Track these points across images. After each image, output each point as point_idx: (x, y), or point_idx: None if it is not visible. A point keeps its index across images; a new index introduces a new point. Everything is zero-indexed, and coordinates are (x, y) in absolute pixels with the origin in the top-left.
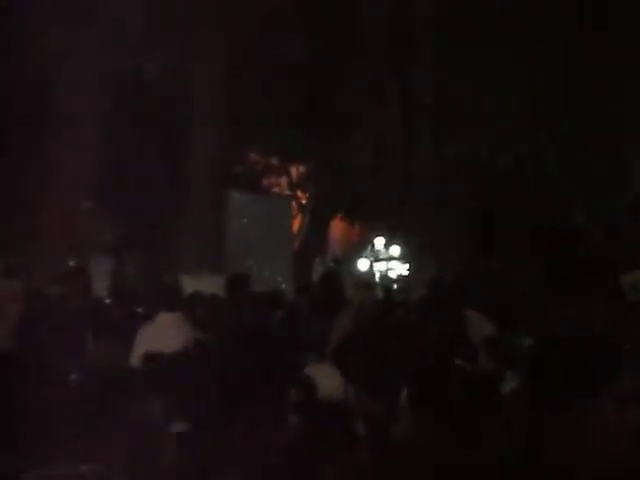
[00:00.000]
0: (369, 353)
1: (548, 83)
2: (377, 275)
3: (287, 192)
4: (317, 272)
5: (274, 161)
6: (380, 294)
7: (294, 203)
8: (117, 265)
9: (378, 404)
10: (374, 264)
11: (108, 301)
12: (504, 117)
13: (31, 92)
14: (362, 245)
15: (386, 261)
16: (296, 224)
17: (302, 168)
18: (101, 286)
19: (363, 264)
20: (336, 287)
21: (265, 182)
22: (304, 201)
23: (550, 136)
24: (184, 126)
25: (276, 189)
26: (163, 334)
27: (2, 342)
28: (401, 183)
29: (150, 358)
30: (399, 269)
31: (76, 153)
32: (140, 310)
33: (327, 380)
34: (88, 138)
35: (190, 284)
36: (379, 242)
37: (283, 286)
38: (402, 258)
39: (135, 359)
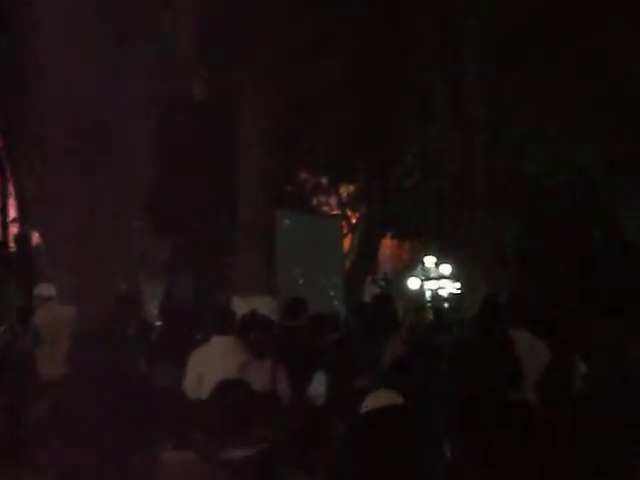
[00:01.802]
0: (422, 374)
1: (599, 97)
2: (427, 294)
3: (337, 211)
4: (368, 291)
5: (324, 180)
6: (432, 315)
7: (344, 222)
8: (168, 285)
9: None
10: (424, 283)
11: (159, 323)
12: (555, 132)
13: (80, 109)
14: (412, 264)
15: (436, 280)
16: (346, 243)
17: (352, 187)
18: (152, 307)
19: (413, 283)
20: (389, 309)
21: (315, 201)
22: (354, 220)
23: (601, 151)
24: (233, 145)
25: (326, 208)
26: (217, 358)
27: (55, 369)
28: (451, 201)
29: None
30: (450, 288)
31: (127, 172)
32: (192, 332)
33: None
34: (139, 157)
35: (241, 305)
36: (429, 261)
37: (335, 303)
38: (452, 277)
39: (189, 382)
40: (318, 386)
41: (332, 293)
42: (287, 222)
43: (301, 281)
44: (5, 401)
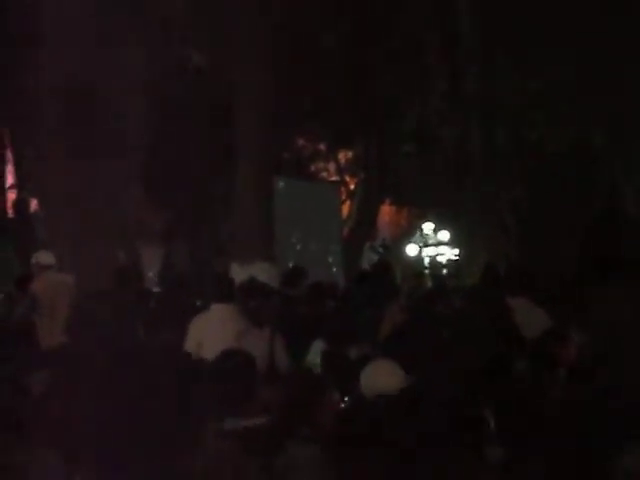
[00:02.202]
0: (420, 342)
1: (599, 69)
2: (426, 260)
3: (335, 178)
4: (366, 257)
5: (322, 147)
6: (430, 281)
7: (343, 189)
8: (166, 253)
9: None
10: (423, 249)
11: (158, 290)
12: (554, 102)
13: (77, 85)
14: (411, 230)
15: (435, 246)
16: (345, 210)
17: (350, 154)
18: (151, 275)
19: (412, 249)
20: (388, 276)
21: (313, 168)
22: (352, 186)
23: (602, 122)
24: (230, 113)
25: (324, 175)
26: (216, 326)
27: (54, 338)
28: (450, 168)
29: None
30: (448, 254)
31: (124, 142)
32: (191, 300)
33: (390, 377)
34: (136, 128)
35: (239, 272)
36: (428, 227)
37: (334, 271)
38: (451, 243)
39: (188, 349)
40: (317, 354)
41: (330, 259)
42: (285, 189)
43: (299, 247)
44: (5, 370)
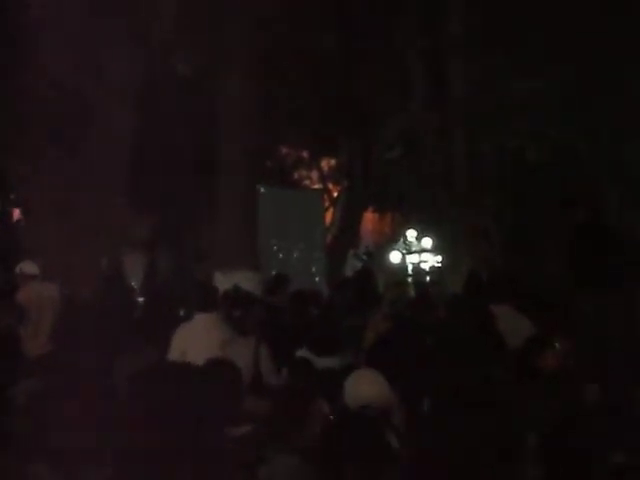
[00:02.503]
0: (404, 352)
1: (582, 72)
2: (409, 267)
3: (318, 185)
4: (350, 265)
5: (305, 154)
6: (413, 289)
7: (326, 196)
8: (149, 262)
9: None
10: (406, 256)
11: (142, 299)
12: (539, 108)
13: (62, 92)
14: (394, 237)
15: (418, 253)
16: (328, 217)
17: (333, 161)
18: (134, 283)
19: (395, 256)
20: (371, 284)
21: (296, 175)
22: (336, 194)
23: (585, 128)
24: (215, 121)
25: (307, 182)
26: (200, 335)
27: (39, 347)
28: (433, 176)
29: None
30: (431, 261)
31: (107, 150)
32: (175, 310)
33: (372, 386)
34: (119, 135)
35: (222, 281)
36: (411, 234)
37: (317, 279)
38: (434, 250)
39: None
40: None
41: (314, 268)
42: (268, 196)
43: (282, 255)
44: None
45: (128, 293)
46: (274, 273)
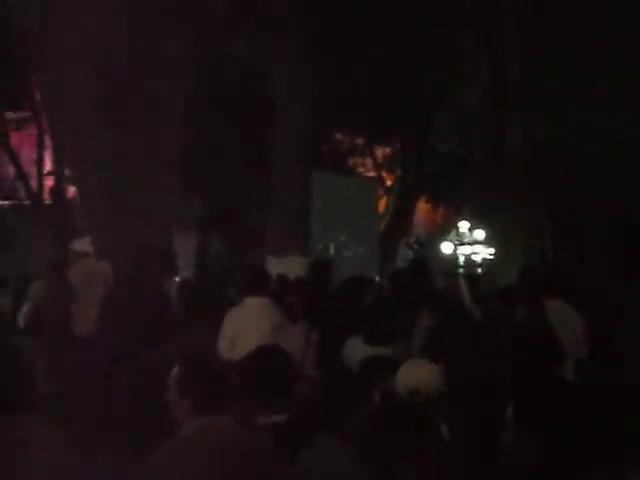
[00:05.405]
0: (456, 345)
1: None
2: (460, 259)
3: (372, 173)
4: (401, 254)
5: (360, 141)
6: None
7: (379, 184)
8: (202, 243)
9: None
10: (458, 247)
11: (194, 281)
12: (597, 102)
13: (113, 65)
14: (446, 228)
15: (470, 245)
16: (381, 205)
17: (388, 149)
18: (186, 264)
19: (447, 247)
20: (425, 274)
21: (350, 162)
22: (389, 182)
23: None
24: (269, 103)
25: (361, 169)
26: (251, 320)
27: (90, 325)
28: (488, 167)
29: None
30: (483, 253)
31: (161, 132)
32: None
33: (422, 373)
34: (173, 117)
35: (275, 265)
36: (463, 225)
37: (369, 265)
38: (486, 242)
39: (222, 344)
40: (353, 350)
41: (366, 255)
42: (322, 182)
43: (335, 242)
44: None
45: (177, 272)
46: (313, 258)
